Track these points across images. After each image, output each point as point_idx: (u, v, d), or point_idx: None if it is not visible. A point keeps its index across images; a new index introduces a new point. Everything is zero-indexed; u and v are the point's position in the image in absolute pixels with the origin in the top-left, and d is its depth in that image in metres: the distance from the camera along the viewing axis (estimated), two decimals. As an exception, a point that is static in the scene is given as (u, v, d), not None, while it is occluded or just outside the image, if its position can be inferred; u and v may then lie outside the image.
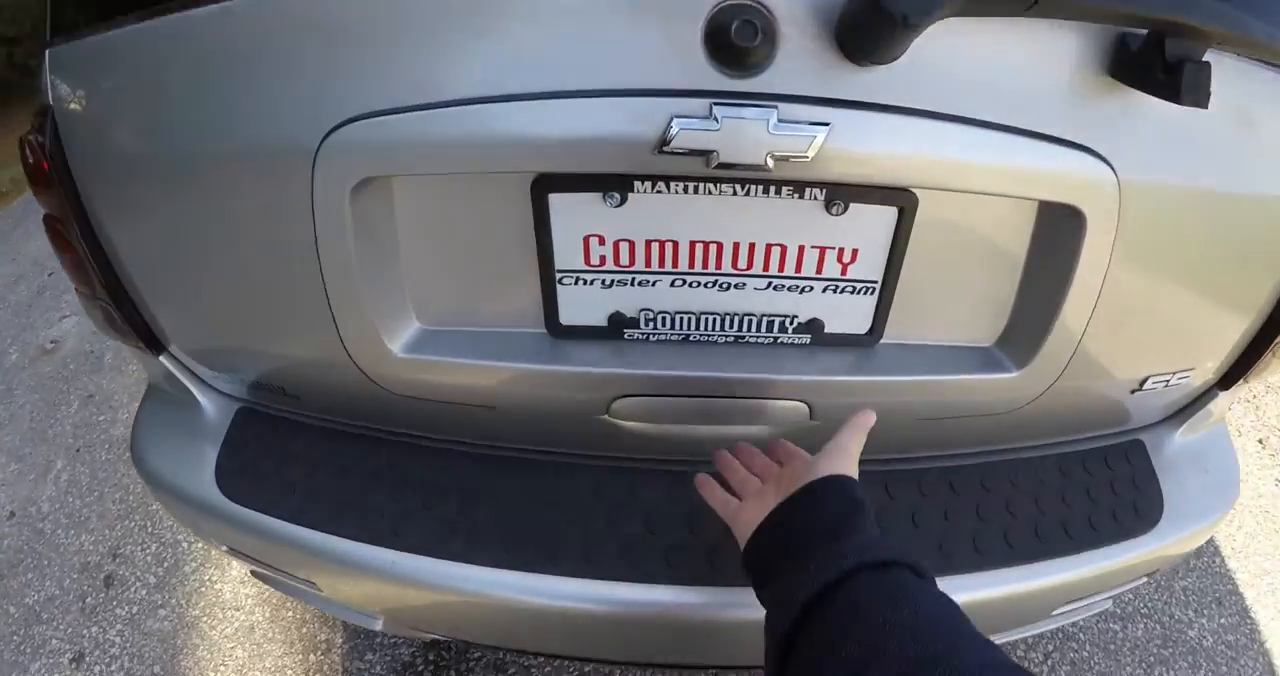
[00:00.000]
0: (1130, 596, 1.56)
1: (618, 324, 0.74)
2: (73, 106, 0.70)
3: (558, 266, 0.69)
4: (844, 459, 0.63)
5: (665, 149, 0.57)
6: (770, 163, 0.57)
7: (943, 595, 0.50)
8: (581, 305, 0.73)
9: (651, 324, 0.74)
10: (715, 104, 0.56)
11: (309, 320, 0.73)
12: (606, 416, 0.79)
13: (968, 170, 0.61)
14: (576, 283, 0.71)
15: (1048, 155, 0.61)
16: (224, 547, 0.98)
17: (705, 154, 0.57)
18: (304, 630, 1.55)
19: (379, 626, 1.03)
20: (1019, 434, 0.89)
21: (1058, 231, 0.67)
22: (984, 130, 0.59)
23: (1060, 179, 0.62)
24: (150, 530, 1.76)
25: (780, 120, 0.56)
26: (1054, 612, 0.93)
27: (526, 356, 0.74)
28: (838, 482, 0.60)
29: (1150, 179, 0.64)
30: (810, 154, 0.57)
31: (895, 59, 0.54)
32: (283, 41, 0.61)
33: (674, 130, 0.56)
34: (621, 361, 0.75)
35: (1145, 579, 0.97)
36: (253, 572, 1.06)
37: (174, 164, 0.68)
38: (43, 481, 1.90)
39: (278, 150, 0.63)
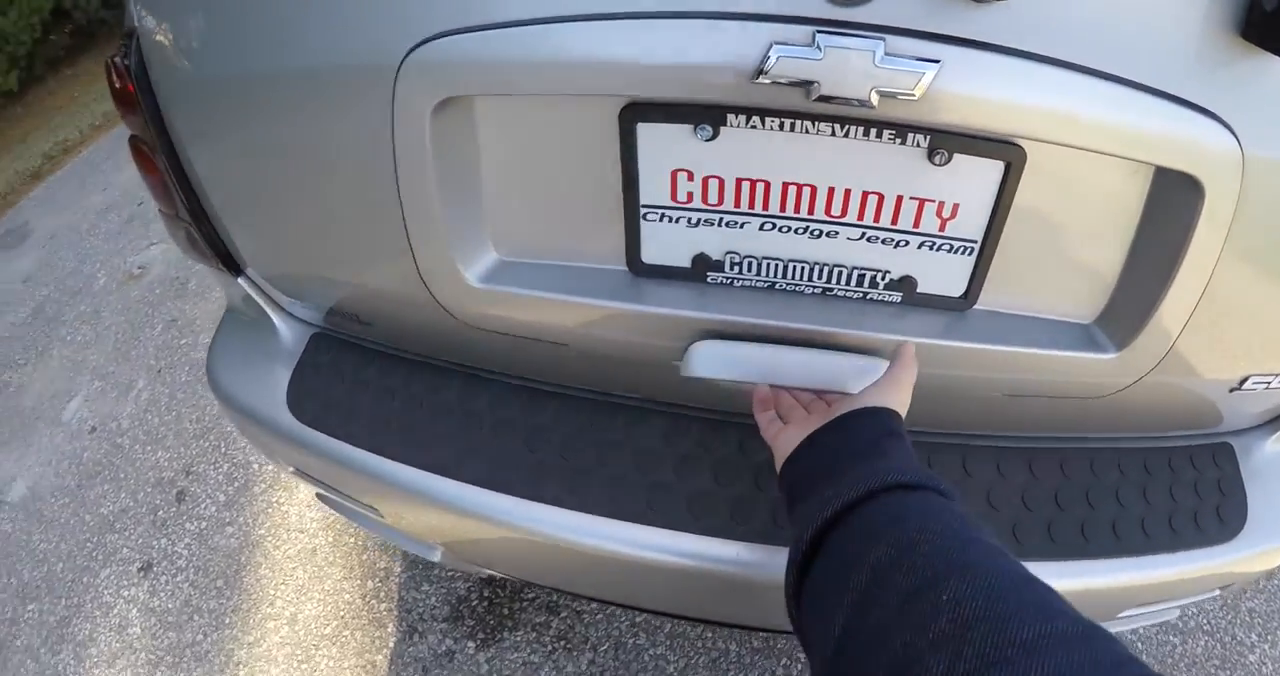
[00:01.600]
0: (1193, 610, 1.50)
1: (701, 265, 0.72)
2: (156, 28, 0.70)
3: (642, 201, 0.67)
4: (895, 390, 0.64)
5: (763, 77, 0.54)
6: (874, 98, 0.54)
7: (972, 516, 0.51)
8: (665, 243, 0.71)
9: (737, 268, 0.72)
10: (819, 32, 0.53)
11: (385, 246, 0.73)
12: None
13: (1082, 124, 0.56)
14: (661, 219, 0.69)
15: (1170, 116, 0.56)
16: (291, 469, 1.00)
17: (805, 85, 0.54)
18: (364, 557, 1.60)
19: (437, 557, 1.05)
20: (1103, 424, 0.85)
21: (1173, 202, 0.62)
22: (1103, 82, 0.55)
23: (1181, 144, 0.57)
24: (223, 451, 1.83)
25: (887, 53, 0.53)
26: (1119, 614, 0.89)
27: (605, 293, 0.72)
28: (876, 412, 0.61)
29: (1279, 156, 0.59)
30: (917, 93, 0.54)
31: None
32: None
33: (773, 57, 0.53)
34: (703, 305, 0.72)
35: (1217, 592, 0.92)
36: (318, 496, 1.09)
37: (253, 84, 0.68)
38: (124, 399, 2.00)
39: (358, 68, 0.62)
